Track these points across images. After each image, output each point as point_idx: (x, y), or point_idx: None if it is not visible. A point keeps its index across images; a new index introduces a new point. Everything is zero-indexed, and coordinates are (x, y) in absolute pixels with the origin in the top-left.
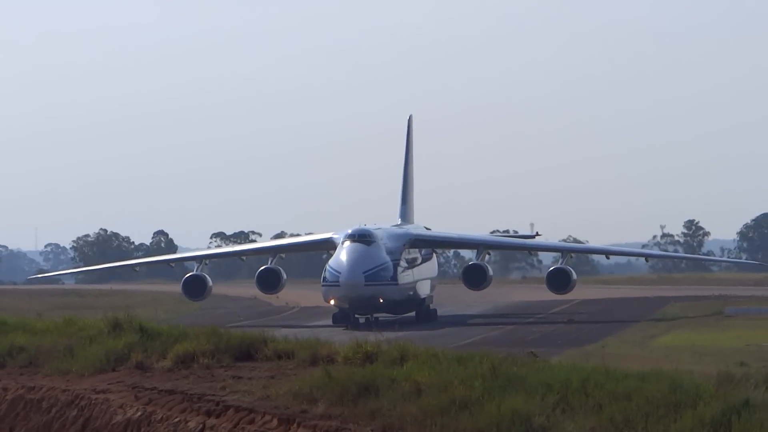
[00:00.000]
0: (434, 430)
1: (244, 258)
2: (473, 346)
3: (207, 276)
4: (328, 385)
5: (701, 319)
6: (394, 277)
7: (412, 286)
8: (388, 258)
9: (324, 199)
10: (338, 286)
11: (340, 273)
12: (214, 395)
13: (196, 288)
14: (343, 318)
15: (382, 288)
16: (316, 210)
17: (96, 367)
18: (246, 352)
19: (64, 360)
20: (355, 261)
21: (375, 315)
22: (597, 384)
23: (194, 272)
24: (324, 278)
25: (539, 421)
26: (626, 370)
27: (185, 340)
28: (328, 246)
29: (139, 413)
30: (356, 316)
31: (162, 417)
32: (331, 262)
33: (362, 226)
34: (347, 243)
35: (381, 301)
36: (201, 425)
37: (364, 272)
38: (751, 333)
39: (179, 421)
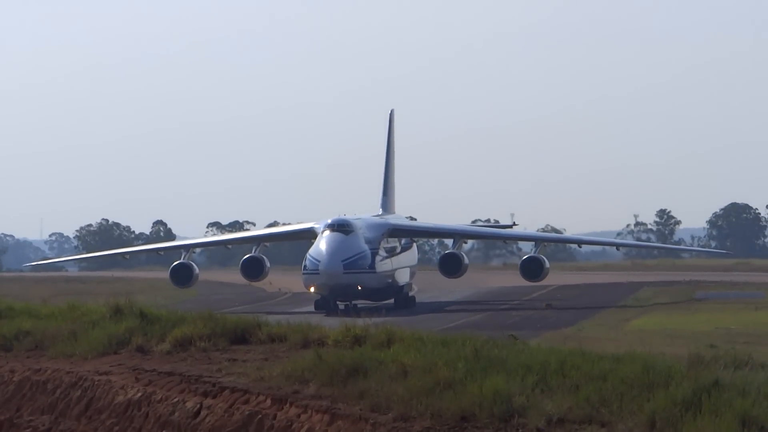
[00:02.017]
0: (420, 410)
1: (230, 246)
2: (456, 329)
3: (194, 264)
4: (318, 366)
5: (673, 304)
6: (372, 266)
7: (391, 273)
8: (366, 247)
9: (316, 190)
10: (318, 274)
11: (319, 261)
12: (210, 377)
13: (182, 275)
14: (324, 304)
15: (360, 276)
16: (308, 200)
17: (98, 351)
18: (241, 336)
19: (68, 343)
20: (334, 250)
21: (354, 302)
22: (574, 365)
23: (181, 260)
24: (304, 267)
25: (519, 401)
26: (601, 352)
27: (183, 325)
28: (309, 235)
29: (139, 394)
30: (337, 302)
31: (161, 397)
32: (311, 251)
33: (341, 217)
34: (327, 232)
35: (359, 288)
36: (198, 405)
37: (343, 261)
38: (720, 316)
39: (177, 401)
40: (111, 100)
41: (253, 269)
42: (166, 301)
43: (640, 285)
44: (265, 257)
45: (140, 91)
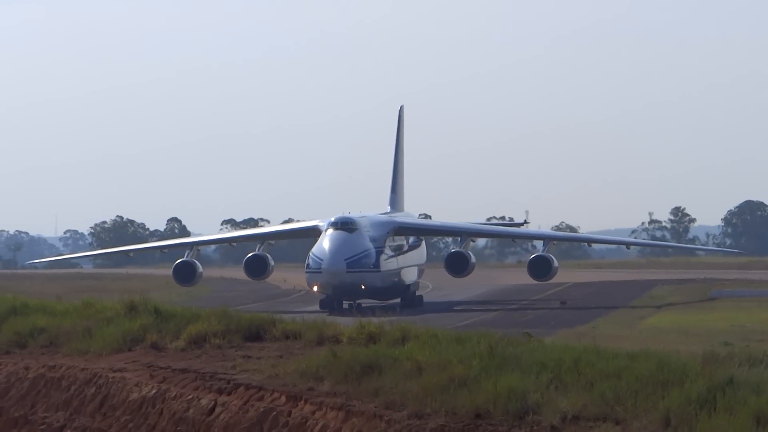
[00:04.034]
0: (434, 407)
1: (234, 244)
2: (471, 327)
3: (197, 262)
4: (333, 364)
5: (687, 302)
6: (377, 264)
7: (396, 272)
8: (370, 245)
9: (332, 187)
10: (320, 272)
11: (322, 260)
12: (225, 374)
13: (185, 274)
14: (329, 303)
15: (363, 275)
16: (324, 197)
17: (113, 347)
18: (255, 333)
19: (83, 340)
20: (337, 248)
21: (359, 301)
22: (588, 363)
23: (184, 258)
24: (307, 265)
25: (534, 398)
26: (616, 349)
27: (198, 322)
28: (314, 233)
29: (154, 391)
30: (345, 301)
31: (176, 394)
32: (314, 249)
33: (345, 214)
34: (330, 231)
35: (363, 287)
36: (213, 402)
37: (346, 259)
38: (734, 314)
39: (192, 398)
40: (126, 98)
41: (257, 267)
42: (181, 298)
43: (654, 283)
44: (268, 255)
45: (156, 89)
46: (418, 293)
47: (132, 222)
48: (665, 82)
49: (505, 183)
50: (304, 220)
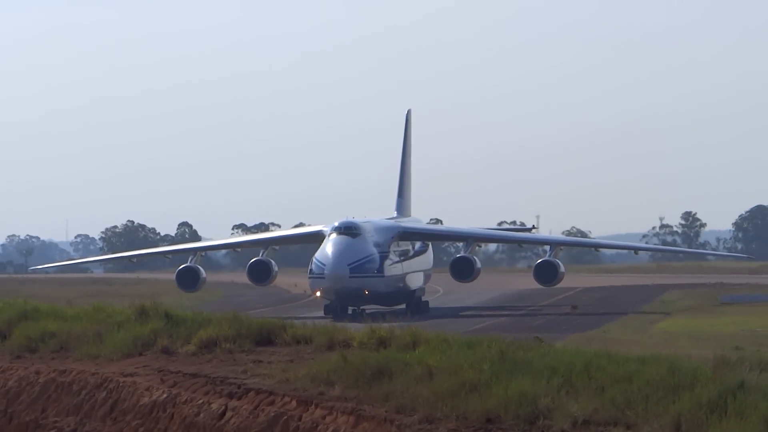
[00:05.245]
0: (445, 411)
1: (239, 249)
2: (481, 332)
3: (200, 268)
4: (344, 368)
5: (698, 306)
6: (381, 269)
7: (401, 278)
8: (374, 250)
9: (343, 191)
10: (323, 278)
11: (325, 265)
12: (235, 378)
13: (188, 279)
14: (333, 309)
15: (367, 280)
16: (336, 201)
17: (124, 352)
18: (266, 338)
19: (94, 345)
20: (340, 253)
21: (363, 306)
22: (599, 367)
23: (187, 264)
24: (310, 270)
25: (545, 403)
26: (627, 354)
27: (208, 326)
28: (318, 238)
29: (164, 395)
30: (349, 307)
31: (186, 399)
32: (317, 254)
33: (349, 219)
34: (333, 235)
35: (366, 293)
36: (223, 407)
37: (349, 264)
38: (745, 319)
39: (203, 402)
40: (137, 103)
41: (260, 273)
42: (192, 302)
43: (665, 287)
44: (272, 261)
45: (166, 95)
46: (424, 298)
47: (143, 227)
48: (677, 87)
49: (517, 188)
50: (314, 225)
